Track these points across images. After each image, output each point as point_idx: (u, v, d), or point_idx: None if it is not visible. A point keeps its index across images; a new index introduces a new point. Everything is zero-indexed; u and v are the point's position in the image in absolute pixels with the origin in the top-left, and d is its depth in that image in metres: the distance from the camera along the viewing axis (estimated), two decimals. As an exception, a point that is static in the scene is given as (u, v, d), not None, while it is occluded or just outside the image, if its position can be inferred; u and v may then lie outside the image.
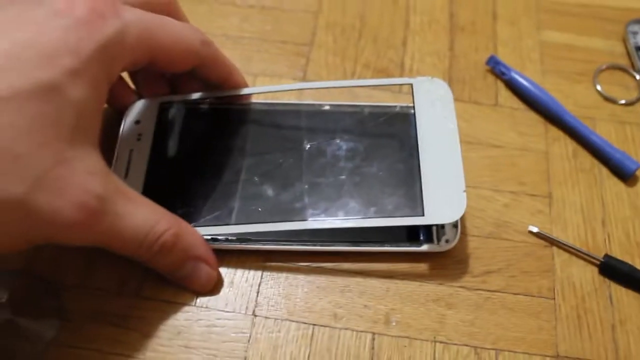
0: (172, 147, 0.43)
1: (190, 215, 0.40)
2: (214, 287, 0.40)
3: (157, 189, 0.41)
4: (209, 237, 0.40)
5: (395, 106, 0.45)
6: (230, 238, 0.40)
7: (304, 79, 0.49)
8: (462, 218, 0.42)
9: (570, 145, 0.46)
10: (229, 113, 0.45)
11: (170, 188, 0.41)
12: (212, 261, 0.39)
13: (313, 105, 0.45)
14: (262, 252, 0.41)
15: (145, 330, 0.38)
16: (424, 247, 0.40)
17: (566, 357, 0.38)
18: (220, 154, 0.43)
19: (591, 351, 0.38)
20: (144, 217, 0.35)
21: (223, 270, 0.40)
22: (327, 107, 0.45)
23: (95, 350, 0.37)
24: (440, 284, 0.40)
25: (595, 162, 0.46)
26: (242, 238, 0.40)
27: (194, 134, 0.44)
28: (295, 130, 0.44)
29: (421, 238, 0.41)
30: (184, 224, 0.38)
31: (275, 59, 0.50)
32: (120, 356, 0.37)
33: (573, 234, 0.43)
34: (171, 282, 0.39)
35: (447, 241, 0.40)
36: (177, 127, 0.44)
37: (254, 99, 0.45)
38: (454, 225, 0.41)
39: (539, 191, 0.44)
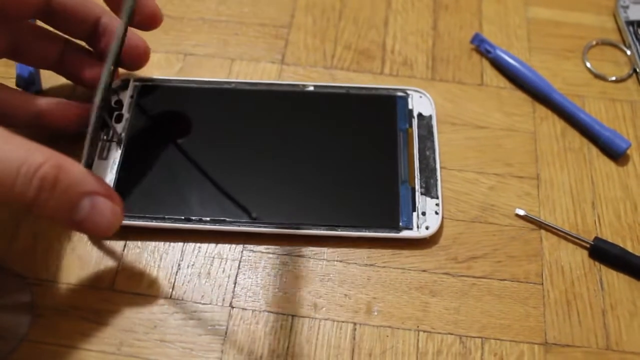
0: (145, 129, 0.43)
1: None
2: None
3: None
4: (183, 218, 0.39)
5: None
6: (203, 219, 0.39)
7: (282, 62, 0.47)
8: (446, 202, 0.41)
9: (558, 124, 0.45)
10: (199, 93, 0.44)
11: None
12: (113, 194, 0.34)
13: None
14: (240, 235, 0.39)
15: (120, 324, 0.37)
16: (403, 234, 0.39)
17: (555, 344, 0.37)
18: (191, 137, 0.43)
19: (581, 337, 0.37)
20: (13, 150, 0.30)
21: (199, 262, 0.39)
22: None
23: (68, 346, 0.36)
24: (424, 270, 0.39)
25: (585, 141, 0.44)
26: (216, 219, 0.39)
27: (172, 115, 0.43)
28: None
29: (400, 224, 0.39)
30: (66, 158, 0.32)
31: (253, 42, 0.48)
32: (95, 352, 0.36)
33: (562, 216, 0.41)
34: (142, 276, 0.38)
35: (427, 228, 0.39)
36: (152, 108, 0.43)
37: (227, 79, 0.45)
38: (436, 212, 0.39)
39: (526, 173, 0.43)
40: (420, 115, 0.43)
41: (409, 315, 0.38)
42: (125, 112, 0.43)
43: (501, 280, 0.39)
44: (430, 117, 0.43)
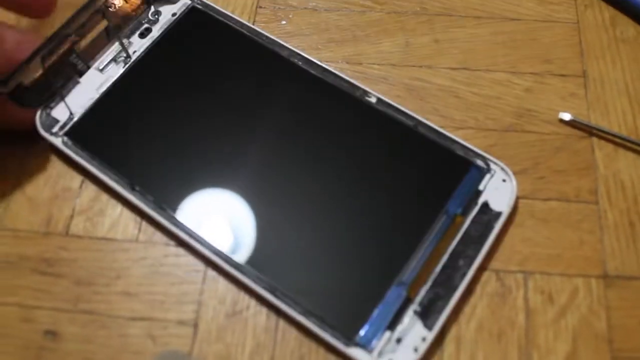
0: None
1: None
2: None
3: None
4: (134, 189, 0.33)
5: None
6: (150, 200, 0.32)
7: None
8: (473, 110, 0.34)
9: (606, 11, 0.38)
10: (252, 48, 0.36)
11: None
12: None
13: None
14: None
15: (75, 276, 0.32)
16: (351, 351, 0.28)
17: (618, 276, 0.31)
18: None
19: (651, 267, 0.31)
20: None
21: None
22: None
23: (14, 305, 0.31)
24: (448, 192, 0.32)
25: (642, 29, 0.38)
26: (168, 215, 0.32)
27: (205, 58, 0.36)
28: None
29: (356, 337, 0.29)
30: None
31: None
32: (46, 310, 0.31)
33: (617, 120, 0.35)
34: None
35: None
36: (190, 40, 0.37)
37: (290, 46, 0.36)
38: (415, 348, 0.28)
39: (569, 70, 0.36)
40: (485, 205, 0.32)
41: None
42: (155, 30, 0.37)
43: (545, 200, 0.33)
44: (498, 215, 0.31)
